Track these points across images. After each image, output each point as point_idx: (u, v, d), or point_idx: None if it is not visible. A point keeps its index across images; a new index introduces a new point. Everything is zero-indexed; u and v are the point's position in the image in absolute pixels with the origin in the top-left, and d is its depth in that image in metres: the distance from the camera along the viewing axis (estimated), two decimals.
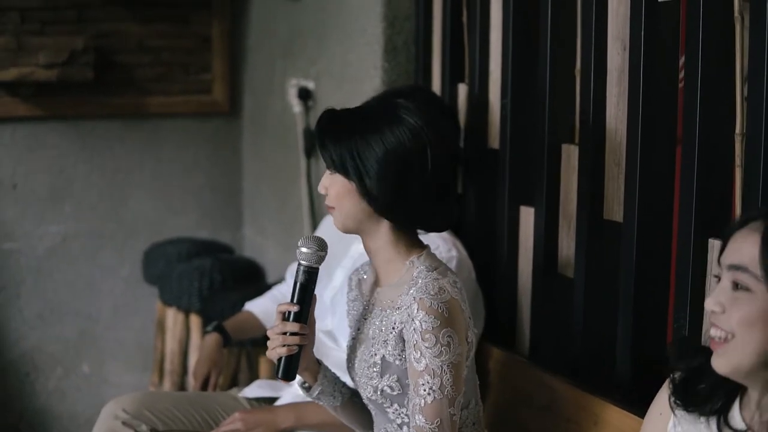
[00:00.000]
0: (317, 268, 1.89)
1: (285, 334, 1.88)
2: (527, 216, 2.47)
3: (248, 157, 4.22)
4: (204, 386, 2.73)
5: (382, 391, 1.91)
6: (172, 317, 3.78)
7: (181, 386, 3.70)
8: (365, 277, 2.08)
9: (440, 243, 2.40)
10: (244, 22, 4.11)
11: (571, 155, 2.31)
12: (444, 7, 2.81)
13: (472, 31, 2.67)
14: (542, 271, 2.40)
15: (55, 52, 3.70)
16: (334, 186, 1.91)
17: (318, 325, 2.03)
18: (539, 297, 2.43)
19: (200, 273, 3.67)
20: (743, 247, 1.41)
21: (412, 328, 1.82)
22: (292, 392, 2.63)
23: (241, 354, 3.57)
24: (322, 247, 1.89)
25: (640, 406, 2.06)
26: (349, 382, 2.07)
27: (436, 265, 1.92)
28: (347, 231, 1.95)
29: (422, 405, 1.82)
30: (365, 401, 2.00)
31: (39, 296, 4.00)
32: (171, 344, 3.80)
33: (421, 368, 1.81)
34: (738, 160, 1.86)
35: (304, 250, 1.88)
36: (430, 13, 2.91)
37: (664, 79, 2.04)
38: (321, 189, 1.94)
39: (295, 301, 1.88)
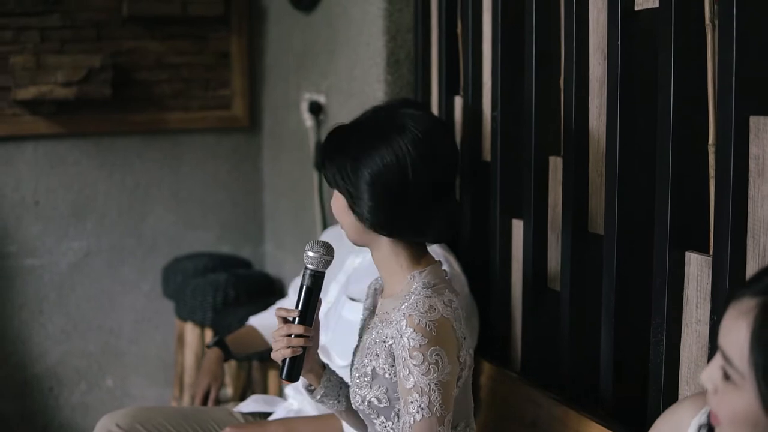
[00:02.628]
0: (323, 272, 1.91)
1: (290, 336, 1.90)
2: (518, 229, 2.43)
3: (268, 172, 4.22)
4: (204, 400, 2.75)
5: (369, 402, 1.90)
6: (191, 331, 3.80)
7: None
8: (378, 287, 2.08)
9: None
10: (262, 37, 4.13)
11: (557, 167, 2.27)
12: (440, 19, 2.78)
13: (466, 42, 2.65)
14: (531, 285, 2.36)
15: (72, 70, 3.74)
16: (335, 202, 1.93)
17: None
18: (529, 311, 2.39)
19: (214, 288, 3.69)
20: (732, 333, 1.26)
21: (400, 344, 1.81)
22: (285, 407, 2.63)
23: (251, 367, 3.58)
24: (328, 251, 1.91)
25: (620, 422, 2.02)
26: None
27: (435, 282, 1.89)
28: (356, 244, 1.96)
29: (411, 423, 1.80)
30: (355, 409, 1.99)
31: (62, 311, 4.04)
32: (189, 358, 3.82)
33: (410, 386, 1.79)
34: (712, 172, 1.82)
35: (310, 254, 1.90)
36: (428, 25, 2.88)
37: (644, 89, 1.99)
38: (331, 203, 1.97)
39: (300, 303, 1.91)
